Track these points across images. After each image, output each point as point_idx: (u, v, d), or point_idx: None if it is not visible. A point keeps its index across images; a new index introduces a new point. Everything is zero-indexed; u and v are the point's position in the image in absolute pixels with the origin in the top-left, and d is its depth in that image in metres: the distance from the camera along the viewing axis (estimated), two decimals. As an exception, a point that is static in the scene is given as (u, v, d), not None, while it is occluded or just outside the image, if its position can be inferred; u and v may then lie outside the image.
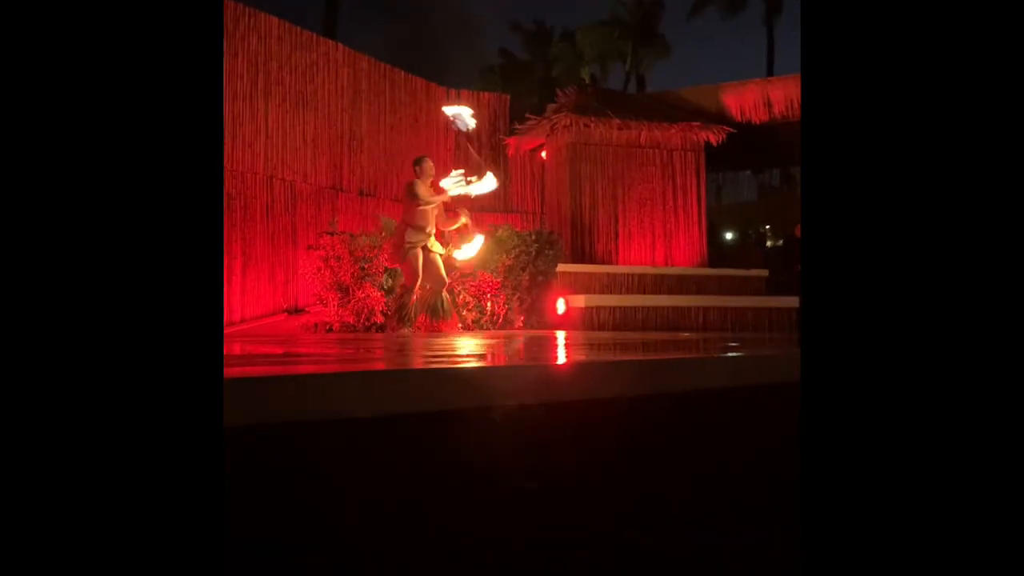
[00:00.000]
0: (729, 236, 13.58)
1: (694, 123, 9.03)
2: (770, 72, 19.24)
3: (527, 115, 9.63)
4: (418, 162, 6.08)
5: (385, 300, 6.73)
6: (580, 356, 2.35)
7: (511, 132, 9.77)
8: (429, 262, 5.84)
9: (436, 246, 5.92)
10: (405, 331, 5.73)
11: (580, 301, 7.41)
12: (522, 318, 7.56)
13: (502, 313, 7.57)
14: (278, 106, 7.78)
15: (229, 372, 1.39)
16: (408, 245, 5.73)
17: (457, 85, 10.16)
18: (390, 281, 6.84)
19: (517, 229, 7.92)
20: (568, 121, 8.72)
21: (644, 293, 7.92)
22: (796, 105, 9.10)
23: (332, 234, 6.95)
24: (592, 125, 8.75)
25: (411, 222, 5.75)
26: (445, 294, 6.10)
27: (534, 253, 7.66)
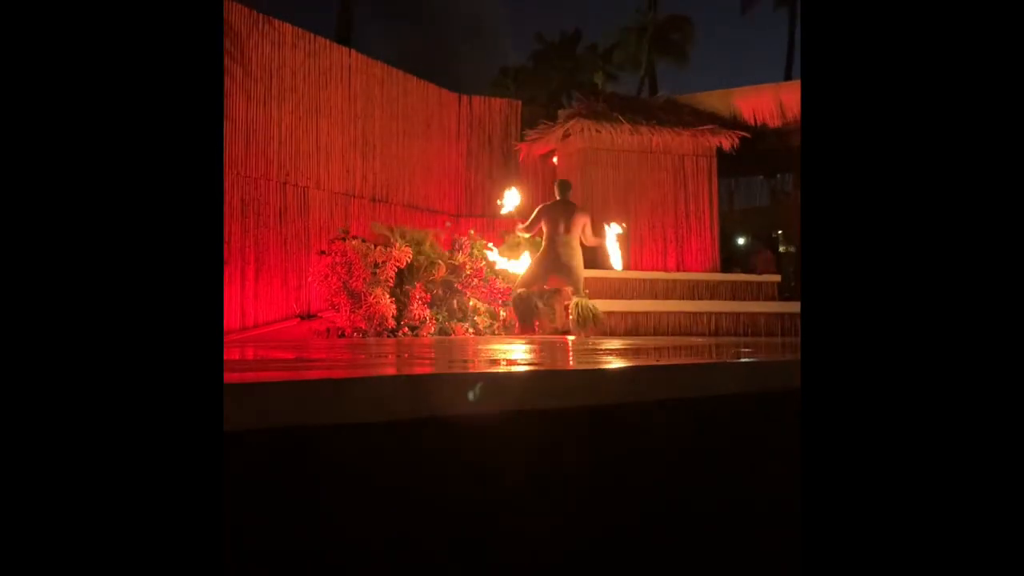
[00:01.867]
0: (742, 241, 13.52)
1: (706, 128, 9.01)
2: (788, 75, 19.09)
3: (541, 120, 9.65)
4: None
5: (396, 305, 6.75)
6: (590, 362, 2.34)
7: (523, 137, 9.79)
8: None
9: None
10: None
11: (591, 306, 7.40)
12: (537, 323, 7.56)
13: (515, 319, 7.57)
14: (291, 112, 7.83)
15: (242, 377, 1.40)
16: None
17: (470, 92, 10.20)
18: (400, 287, 6.88)
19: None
20: (580, 126, 8.72)
21: (656, 298, 7.89)
22: (809, 110, 9.02)
23: (344, 240, 6.98)
24: (604, 130, 8.74)
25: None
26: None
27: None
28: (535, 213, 6.56)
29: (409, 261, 6.91)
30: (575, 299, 6.30)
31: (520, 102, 10.64)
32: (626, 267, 7.43)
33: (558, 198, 6.54)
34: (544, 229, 6.27)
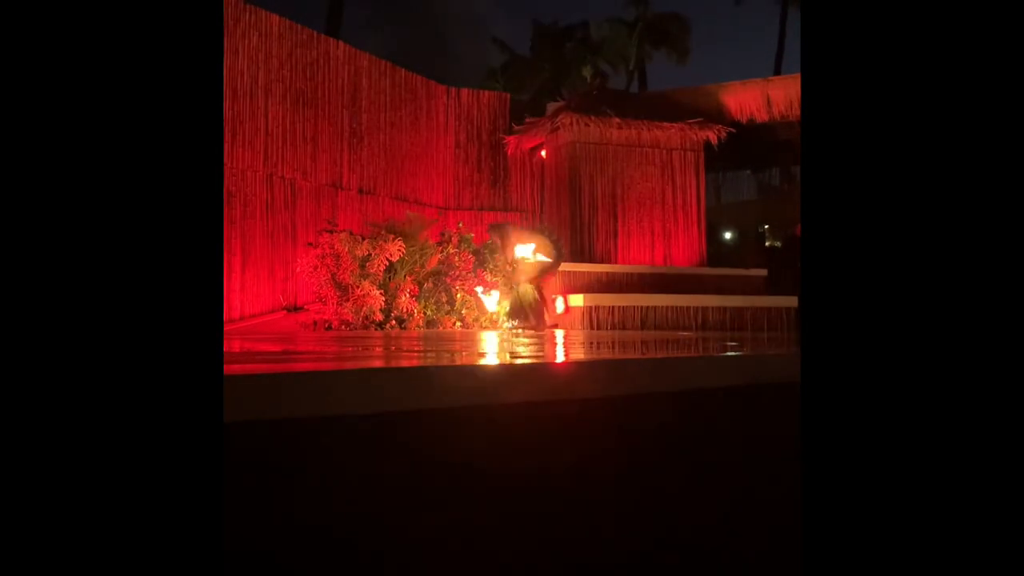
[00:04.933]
0: (728, 235, 13.59)
1: (694, 122, 9.03)
2: (778, 71, 19.14)
3: (526, 117, 9.65)
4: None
5: (385, 298, 6.74)
6: (579, 355, 2.35)
7: (511, 131, 9.78)
8: None
9: None
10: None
11: (579, 300, 7.42)
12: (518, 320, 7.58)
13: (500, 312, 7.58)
14: (278, 104, 7.78)
15: (228, 369, 1.39)
16: None
17: (460, 84, 10.16)
18: (388, 280, 6.86)
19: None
20: (568, 120, 8.72)
21: (643, 292, 7.92)
22: (796, 105, 9.11)
23: (331, 232, 6.95)
24: (592, 124, 8.75)
25: None
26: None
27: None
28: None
29: (401, 255, 6.89)
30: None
31: (509, 95, 10.62)
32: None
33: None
34: None
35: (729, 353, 2.31)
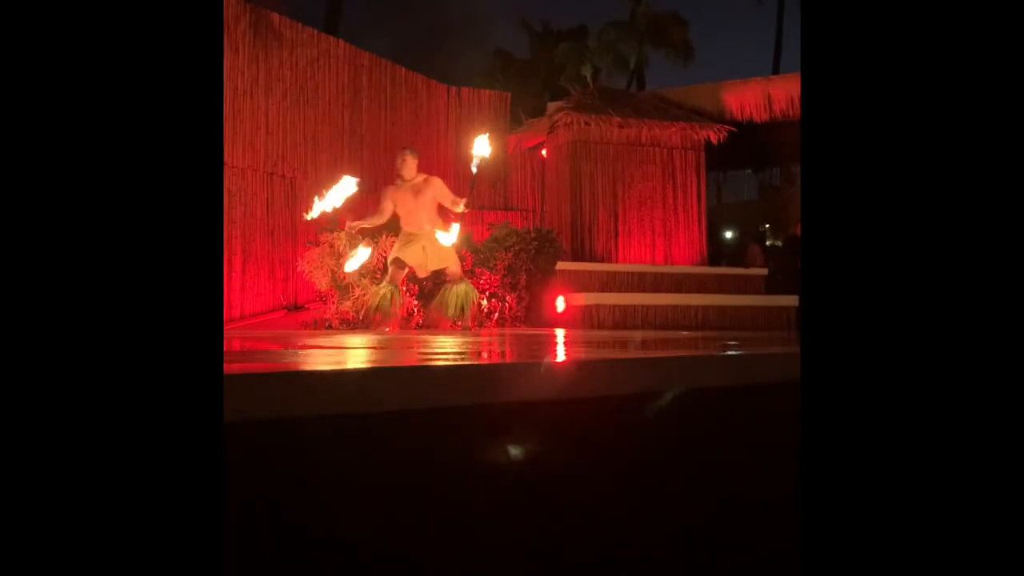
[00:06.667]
0: (729, 235, 13.59)
1: (694, 122, 9.03)
2: (776, 70, 19.11)
3: (524, 118, 9.65)
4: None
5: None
6: (580, 354, 2.35)
7: (512, 130, 9.78)
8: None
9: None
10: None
11: (580, 299, 7.41)
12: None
13: (497, 310, 7.57)
14: (279, 102, 7.78)
15: (228, 368, 1.39)
16: None
17: (460, 83, 10.15)
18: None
19: (516, 227, 7.92)
20: (568, 119, 8.72)
21: (644, 291, 7.92)
22: (797, 104, 9.10)
23: (332, 231, 6.95)
24: (592, 123, 8.74)
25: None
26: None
27: (533, 251, 7.66)
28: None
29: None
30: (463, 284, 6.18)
31: (509, 94, 10.61)
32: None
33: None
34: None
35: (729, 352, 2.31)
